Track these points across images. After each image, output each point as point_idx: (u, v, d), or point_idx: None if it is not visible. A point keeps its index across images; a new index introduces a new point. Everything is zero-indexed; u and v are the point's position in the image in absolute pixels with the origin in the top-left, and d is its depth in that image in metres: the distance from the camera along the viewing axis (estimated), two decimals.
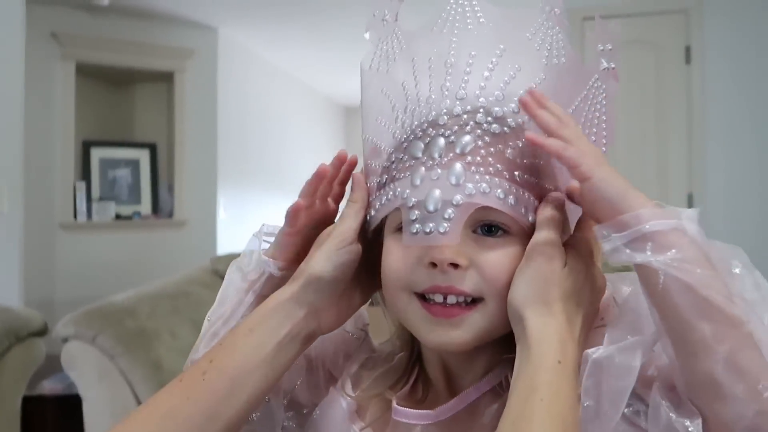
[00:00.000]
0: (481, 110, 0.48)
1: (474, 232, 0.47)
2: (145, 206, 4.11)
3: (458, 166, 0.46)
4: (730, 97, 3.03)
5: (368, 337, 0.61)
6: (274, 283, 0.53)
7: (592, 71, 0.52)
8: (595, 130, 0.53)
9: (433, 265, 0.46)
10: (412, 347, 0.56)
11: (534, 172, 0.48)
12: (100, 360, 1.54)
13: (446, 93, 0.49)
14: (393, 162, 0.51)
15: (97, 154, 4.02)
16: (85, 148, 3.96)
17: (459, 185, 0.46)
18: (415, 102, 0.50)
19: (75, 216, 3.80)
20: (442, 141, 0.48)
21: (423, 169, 0.47)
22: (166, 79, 4.09)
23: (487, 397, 0.50)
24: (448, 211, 0.45)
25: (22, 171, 2.81)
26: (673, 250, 0.40)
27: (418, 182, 0.47)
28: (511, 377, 0.46)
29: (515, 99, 0.48)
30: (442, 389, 0.53)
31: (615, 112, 0.52)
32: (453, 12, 0.51)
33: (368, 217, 0.52)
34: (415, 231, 0.46)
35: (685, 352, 0.41)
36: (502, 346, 0.50)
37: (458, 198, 0.45)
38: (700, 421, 0.41)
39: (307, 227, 0.54)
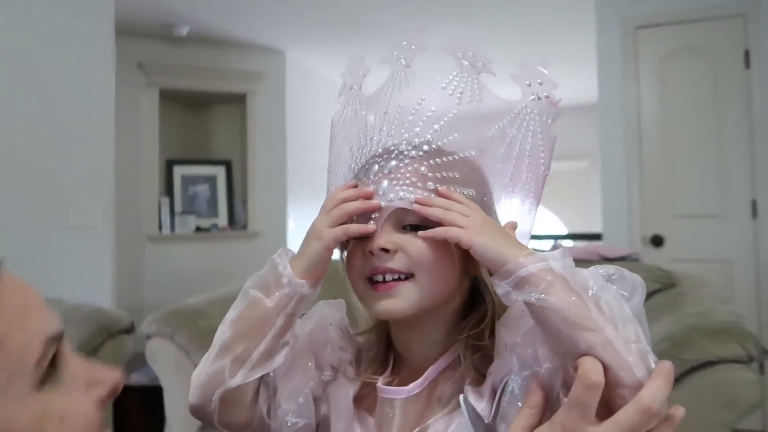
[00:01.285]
0: (404, 142, 0.64)
1: (403, 228, 0.62)
2: (222, 219, 4.40)
3: (384, 182, 0.62)
4: None
5: (350, 333, 0.74)
6: (302, 301, 0.63)
7: (518, 103, 0.65)
8: (520, 151, 0.66)
9: (371, 252, 0.61)
10: (386, 336, 0.69)
11: (449, 182, 0.62)
12: (177, 355, 1.75)
13: (383, 133, 0.66)
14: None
15: (179, 172, 4.35)
16: (168, 166, 4.29)
17: (383, 194, 0.61)
18: (367, 143, 0.67)
19: (160, 229, 4.12)
20: (376, 166, 0.64)
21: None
22: (239, 100, 4.38)
23: (446, 372, 0.63)
24: (375, 213, 0.62)
25: (113, 189, 3.07)
26: (542, 286, 0.52)
27: None
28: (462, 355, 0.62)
29: (430, 130, 0.64)
30: (413, 369, 0.65)
31: (554, 134, 0.65)
32: (393, 78, 0.68)
33: None
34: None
35: (565, 356, 0.52)
36: (455, 329, 0.65)
37: (383, 203, 0.61)
38: None
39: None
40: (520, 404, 0.55)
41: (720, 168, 3.04)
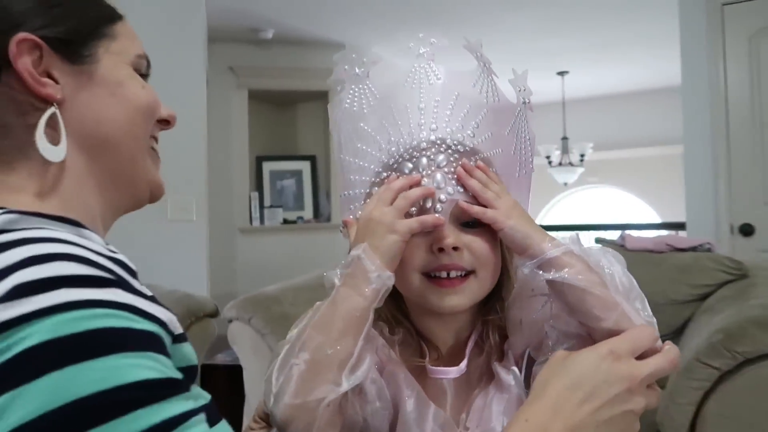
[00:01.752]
0: (449, 137, 0.67)
1: (460, 225, 0.64)
2: (308, 212, 4.61)
3: (438, 175, 0.63)
4: None
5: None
6: (386, 294, 0.60)
7: (516, 105, 0.69)
8: (523, 149, 0.71)
9: (441, 250, 0.62)
10: (412, 325, 0.70)
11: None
12: (254, 337, 1.91)
13: (422, 127, 0.68)
14: (382, 177, 0.68)
15: (267, 167, 4.60)
16: (258, 162, 4.56)
17: (442, 188, 0.63)
18: (398, 135, 0.68)
19: (250, 221, 4.38)
20: (425, 160, 0.65)
21: None
22: (322, 97, 4.53)
23: (474, 350, 0.68)
24: (437, 206, 0.63)
25: (206, 184, 3.31)
26: (567, 268, 0.59)
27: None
28: (486, 336, 0.67)
29: (470, 127, 0.68)
30: (445, 352, 0.69)
31: (534, 134, 0.71)
32: (416, 73, 0.70)
33: None
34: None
35: (587, 322, 0.60)
36: (477, 314, 0.69)
37: (443, 197, 0.63)
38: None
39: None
40: None
41: None
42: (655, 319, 0.60)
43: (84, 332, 0.39)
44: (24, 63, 0.49)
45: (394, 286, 0.61)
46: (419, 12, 3.92)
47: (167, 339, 0.45)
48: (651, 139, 6.23)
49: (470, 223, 0.63)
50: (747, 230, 2.91)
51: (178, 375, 0.43)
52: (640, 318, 0.59)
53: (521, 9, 3.89)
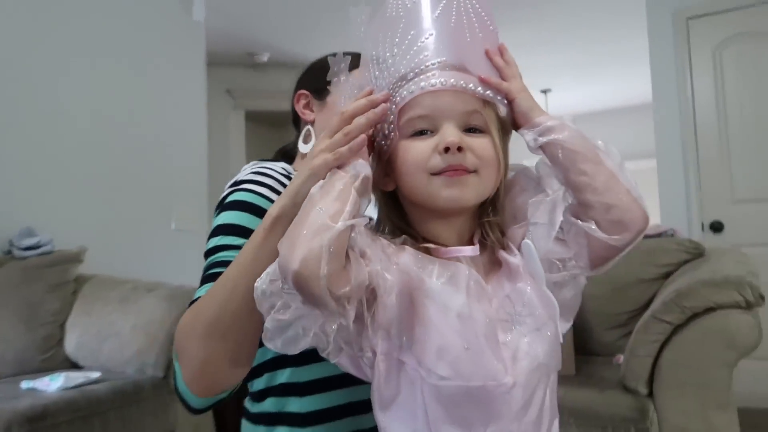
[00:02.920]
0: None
1: (464, 131, 0.66)
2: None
3: (447, 71, 0.67)
4: None
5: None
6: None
7: None
8: (481, 14, 0.73)
9: (446, 150, 0.64)
10: (417, 233, 0.70)
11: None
12: None
13: (431, 49, 0.69)
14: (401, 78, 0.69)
15: None
16: None
17: (445, 82, 0.66)
18: (408, 52, 0.70)
19: None
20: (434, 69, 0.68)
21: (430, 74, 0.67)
22: None
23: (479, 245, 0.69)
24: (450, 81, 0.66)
25: (207, 199, 3.49)
26: (564, 133, 0.66)
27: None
28: (486, 234, 0.69)
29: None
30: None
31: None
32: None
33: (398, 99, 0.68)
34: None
35: (581, 188, 0.66)
36: (475, 215, 0.70)
37: (443, 80, 0.66)
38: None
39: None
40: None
41: None
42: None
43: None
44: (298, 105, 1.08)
45: (397, 198, 0.70)
46: None
47: None
48: (629, 154, 6.46)
49: (473, 129, 0.67)
50: (717, 227, 3.10)
51: None
52: (626, 179, 0.66)
53: (507, 29, 4.12)
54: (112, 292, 2.33)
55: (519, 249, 0.69)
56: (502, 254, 0.69)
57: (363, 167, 0.64)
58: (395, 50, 0.71)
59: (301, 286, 0.57)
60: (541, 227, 0.68)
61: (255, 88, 4.65)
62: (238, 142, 4.57)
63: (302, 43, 4.31)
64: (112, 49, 3.07)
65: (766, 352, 1.72)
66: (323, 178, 0.64)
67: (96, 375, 1.95)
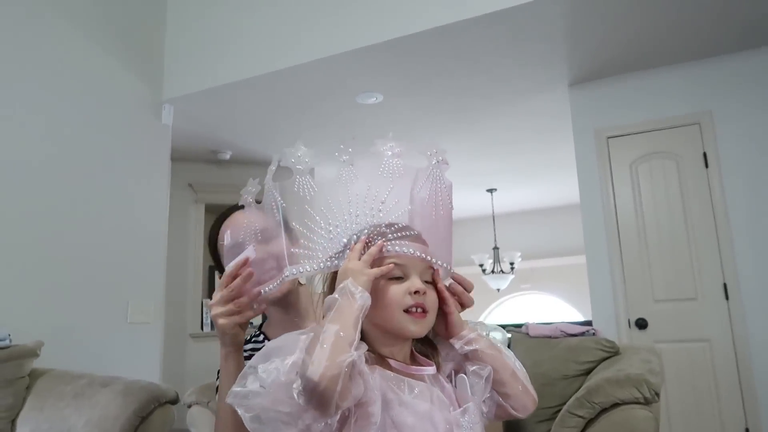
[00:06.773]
0: (399, 223, 0.89)
1: (423, 281, 0.86)
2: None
3: (414, 245, 0.86)
4: (748, 193, 3.28)
5: None
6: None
7: (428, 167, 0.93)
8: (439, 194, 0.93)
9: (416, 292, 0.84)
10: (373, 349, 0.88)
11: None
12: (212, 419, 2.15)
13: (382, 212, 0.89)
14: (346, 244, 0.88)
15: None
16: (211, 272, 4.84)
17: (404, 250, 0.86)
18: (336, 220, 0.90)
19: (202, 327, 4.59)
20: (399, 233, 0.87)
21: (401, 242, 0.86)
22: None
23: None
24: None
25: (164, 291, 3.54)
26: (480, 344, 0.88)
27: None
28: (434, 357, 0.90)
29: (390, 203, 0.89)
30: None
31: (450, 182, 0.94)
32: (341, 173, 0.92)
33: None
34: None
35: (495, 380, 0.88)
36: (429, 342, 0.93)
37: (433, 260, 0.87)
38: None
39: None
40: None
41: (693, 257, 3.37)
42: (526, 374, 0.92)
43: None
44: None
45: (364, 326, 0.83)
46: (362, 138, 4.47)
47: None
48: (569, 249, 6.87)
49: (426, 281, 0.88)
50: (642, 324, 3.38)
51: None
52: (524, 377, 0.90)
53: (454, 136, 4.51)
54: (67, 387, 2.37)
55: (447, 376, 0.90)
56: (441, 379, 0.88)
57: (366, 299, 0.80)
58: (380, 206, 0.90)
59: (317, 395, 0.71)
60: (477, 384, 0.89)
61: (216, 183, 4.84)
62: (196, 234, 4.69)
63: (263, 142, 4.58)
64: (79, 145, 3.18)
65: None
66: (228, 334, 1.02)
67: None
